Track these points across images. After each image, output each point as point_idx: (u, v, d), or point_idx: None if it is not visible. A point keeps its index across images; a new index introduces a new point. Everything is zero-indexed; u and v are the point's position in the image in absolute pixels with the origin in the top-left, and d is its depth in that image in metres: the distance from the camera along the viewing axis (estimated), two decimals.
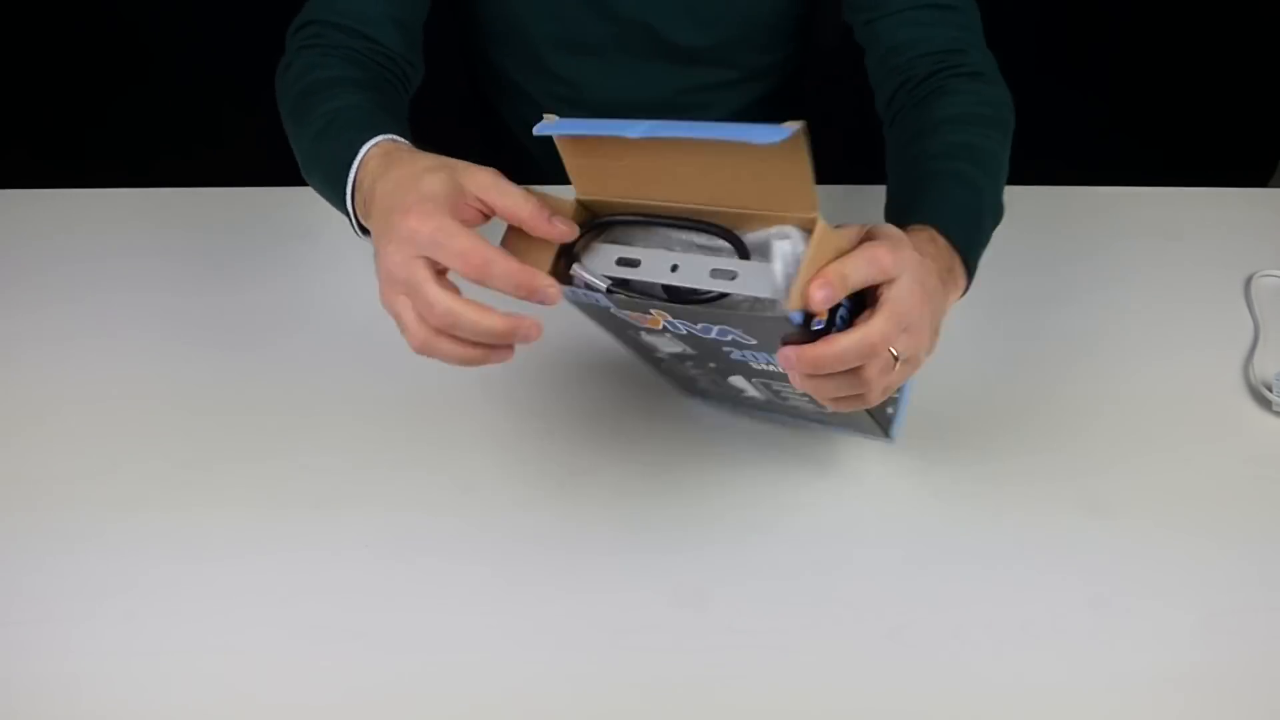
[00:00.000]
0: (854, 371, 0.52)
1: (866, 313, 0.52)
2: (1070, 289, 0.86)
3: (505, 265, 0.52)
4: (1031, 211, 0.93)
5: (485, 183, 0.55)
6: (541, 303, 0.53)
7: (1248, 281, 0.87)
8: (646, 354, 0.65)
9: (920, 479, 0.71)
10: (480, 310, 0.52)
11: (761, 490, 0.70)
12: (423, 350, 0.55)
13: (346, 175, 0.62)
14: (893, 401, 0.66)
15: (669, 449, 0.72)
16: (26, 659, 0.61)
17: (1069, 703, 0.60)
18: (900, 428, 0.68)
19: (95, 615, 0.63)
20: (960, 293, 0.64)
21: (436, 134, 0.96)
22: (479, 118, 1.07)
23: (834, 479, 0.71)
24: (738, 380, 0.64)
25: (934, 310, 0.56)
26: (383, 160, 0.60)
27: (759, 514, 0.69)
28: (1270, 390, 0.76)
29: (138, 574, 0.66)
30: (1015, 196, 0.94)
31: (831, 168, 1.12)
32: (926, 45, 0.77)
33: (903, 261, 0.52)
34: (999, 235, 0.91)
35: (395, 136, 0.62)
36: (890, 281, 0.52)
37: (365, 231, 0.62)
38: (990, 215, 0.69)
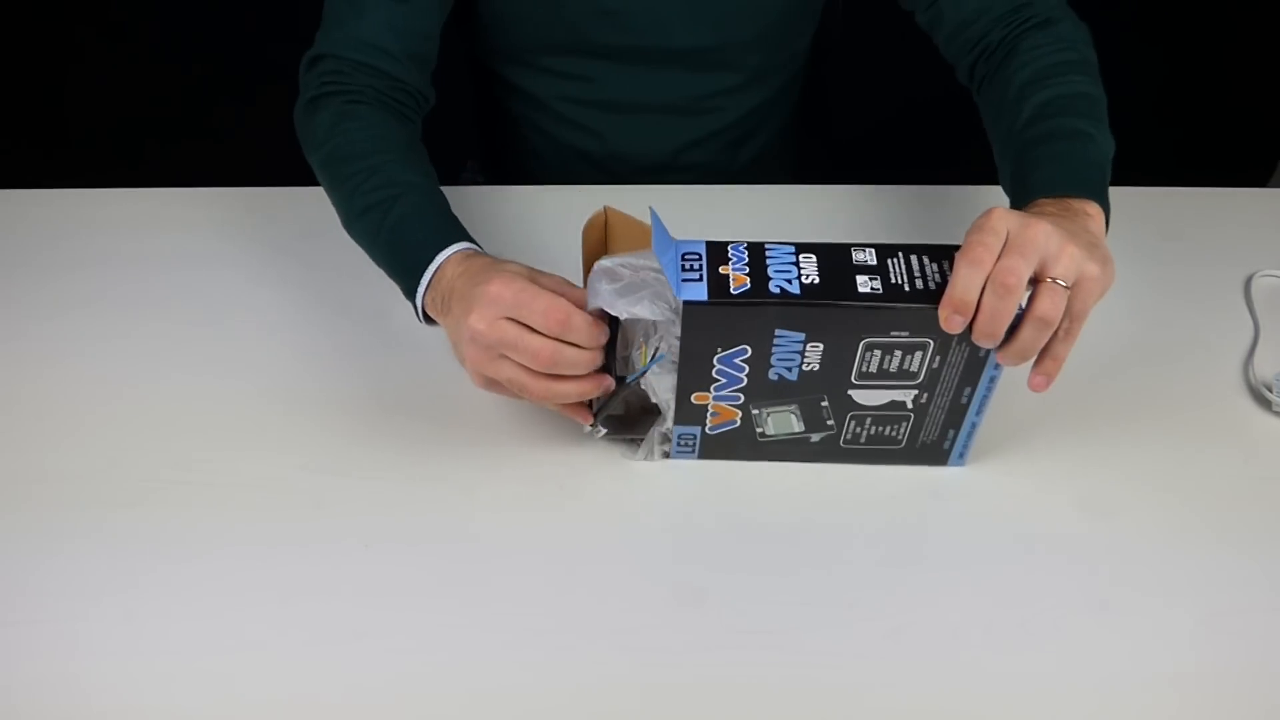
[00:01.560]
0: (1035, 317, 0.57)
1: None
2: None
3: (583, 318, 0.60)
4: None
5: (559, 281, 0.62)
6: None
7: (1248, 281, 0.87)
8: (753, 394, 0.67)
9: (920, 479, 0.71)
10: (574, 348, 0.60)
11: (761, 489, 0.70)
12: (545, 397, 0.63)
13: (420, 274, 0.68)
14: (954, 428, 0.68)
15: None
16: (26, 659, 0.61)
17: (1069, 703, 0.60)
18: (965, 454, 0.70)
19: (95, 615, 0.63)
20: (1102, 219, 0.66)
21: (437, 131, 0.96)
22: (482, 112, 1.07)
23: (833, 479, 0.71)
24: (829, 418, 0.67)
25: (1061, 229, 0.57)
26: (462, 262, 0.66)
27: (758, 513, 0.69)
28: (1270, 390, 0.76)
29: (137, 574, 0.65)
30: None
31: (834, 167, 1.12)
32: (993, 11, 0.78)
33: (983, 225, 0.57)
34: None
35: (469, 245, 0.69)
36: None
37: (428, 320, 0.70)
38: (1105, 152, 0.70)
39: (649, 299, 0.60)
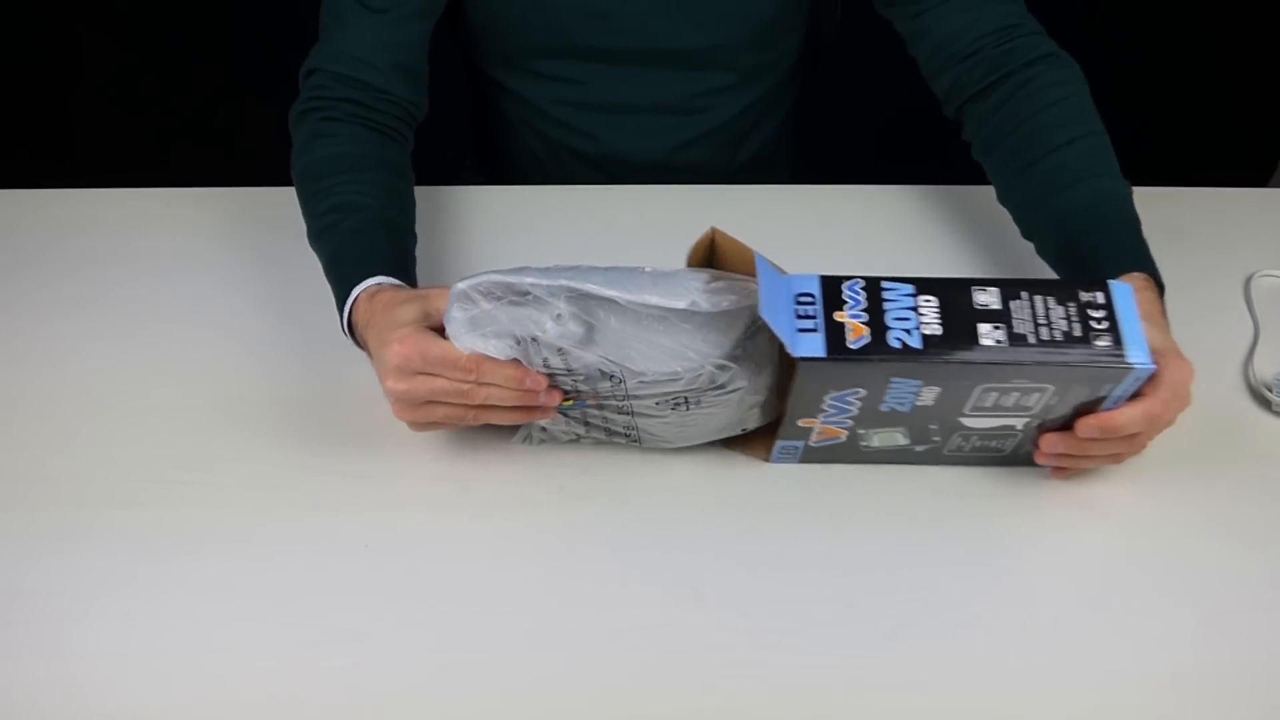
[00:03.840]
0: (1128, 438, 0.63)
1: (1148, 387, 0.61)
2: None
3: (492, 364, 0.61)
4: None
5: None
6: (542, 405, 0.64)
7: (1248, 281, 0.87)
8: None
9: (920, 478, 0.71)
10: (494, 361, 0.61)
11: (760, 489, 0.70)
12: (480, 420, 0.65)
13: (342, 308, 0.71)
14: None
15: (666, 449, 0.72)
16: (26, 659, 0.61)
17: (1069, 702, 0.60)
18: None
19: (94, 615, 0.63)
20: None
21: (435, 131, 0.96)
22: (478, 113, 1.07)
23: (832, 479, 0.71)
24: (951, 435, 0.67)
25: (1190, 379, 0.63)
26: (367, 301, 0.68)
27: (758, 513, 0.69)
28: (1270, 390, 0.76)
29: (136, 574, 0.66)
30: None
31: (828, 166, 1.12)
32: (978, 29, 0.79)
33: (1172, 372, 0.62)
34: (999, 235, 0.91)
35: (375, 280, 0.70)
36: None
37: (353, 337, 0.72)
38: (1137, 216, 0.74)
39: (498, 336, 0.60)
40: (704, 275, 0.61)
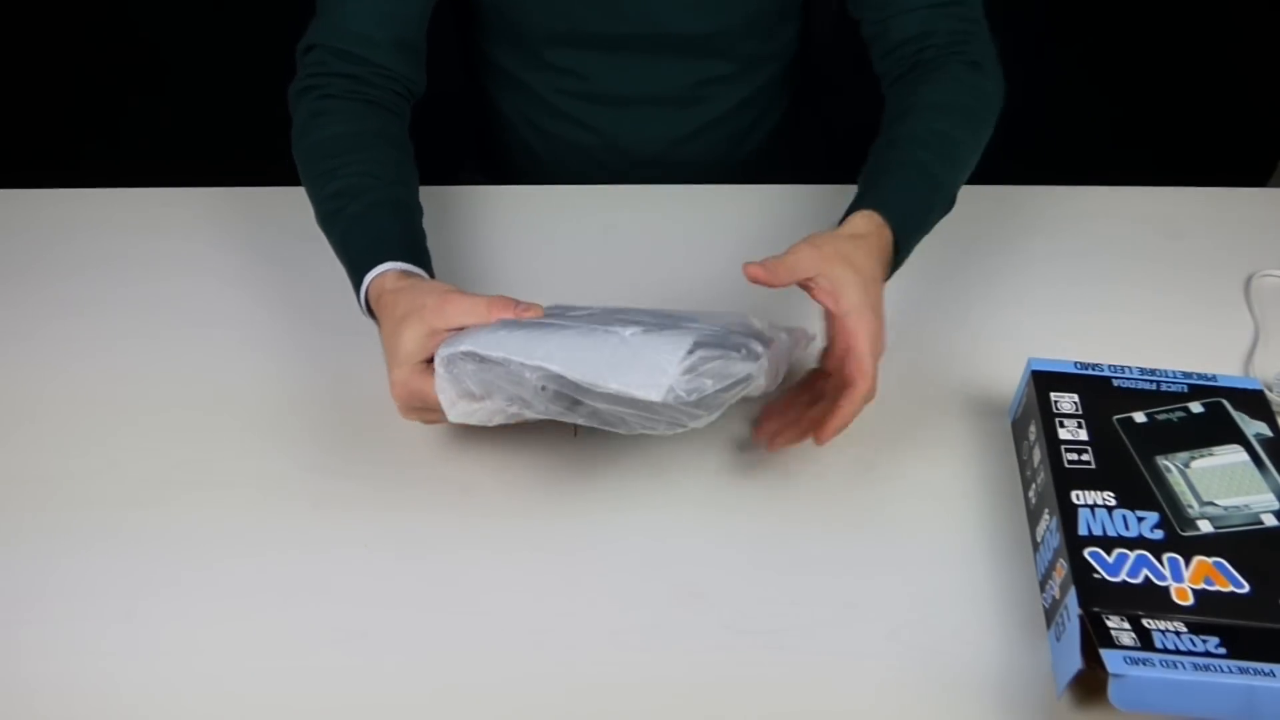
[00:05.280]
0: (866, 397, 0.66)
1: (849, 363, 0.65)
2: (1071, 289, 0.86)
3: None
4: (1032, 211, 0.93)
5: (450, 316, 0.64)
6: None
7: (1248, 281, 0.87)
8: None
9: (921, 478, 0.71)
10: None
11: (760, 489, 0.70)
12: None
13: (358, 291, 0.72)
14: None
15: (666, 449, 0.72)
16: (25, 659, 0.61)
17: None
18: None
19: (94, 615, 0.63)
20: (888, 277, 0.71)
21: (435, 131, 0.96)
22: (478, 111, 1.07)
23: (832, 479, 0.71)
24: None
25: (881, 316, 0.67)
26: (378, 303, 0.69)
27: (758, 513, 0.69)
28: (1270, 390, 0.76)
29: (137, 574, 0.65)
30: (1016, 196, 0.95)
31: (825, 159, 1.12)
32: (934, 36, 0.81)
33: (847, 291, 0.65)
34: (999, 235, 0.91)
35: (390, 265, 0.70)
36: (845, 315, 0.65)
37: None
38: (940, 208, 0.76)
39: (489, 396, 0.61)
40: (686, 343, 0.59)
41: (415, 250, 0.74)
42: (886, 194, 0.72)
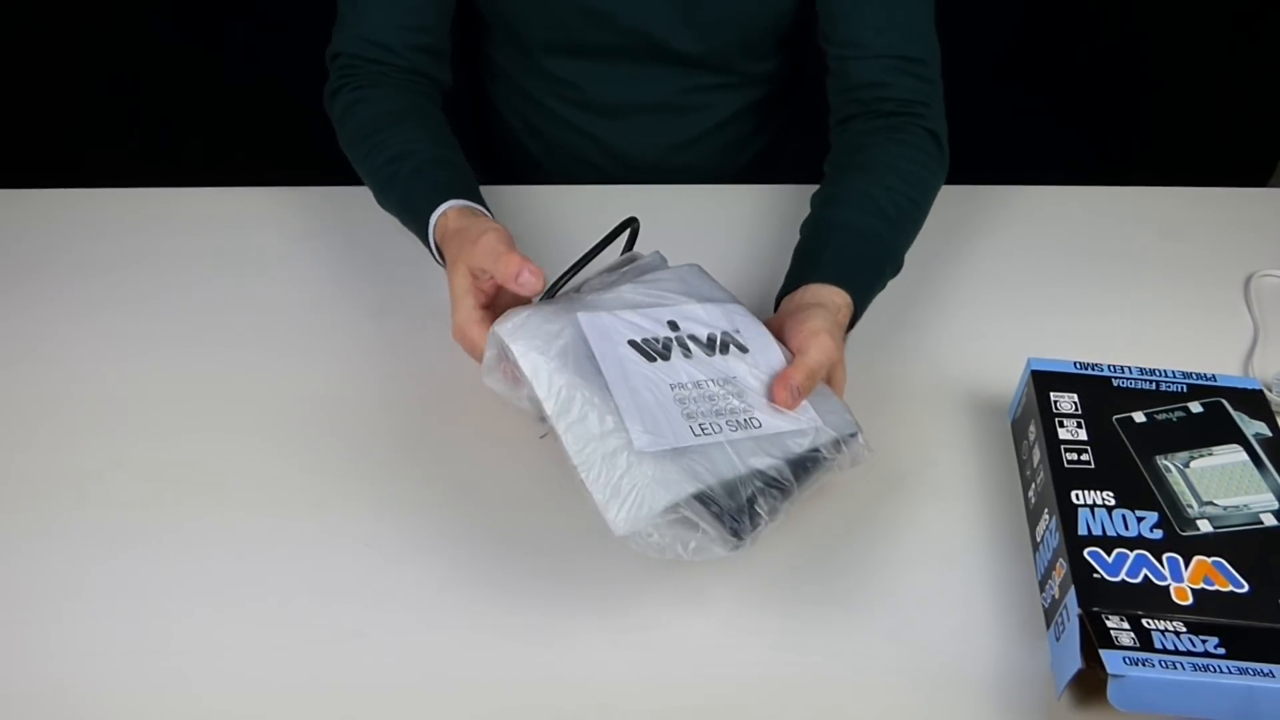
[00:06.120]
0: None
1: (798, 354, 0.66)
2: (1070, 289, 0.86)
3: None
4: (1031, 212, 0.93)
5: (477, 257, 0.66)
6: None
7: (1248, 281, 0.87)
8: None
9: (921, 478, 0.71)
10: None
11: None
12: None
13: (428, 243, 0.76)
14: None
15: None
16: (25, 659, 0.61)
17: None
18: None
19: (94, 615, 0.63)
20: (847, 330, 0.73)
21: None
22: (478, 110, 1.07)
23: (832, 478, 0.71)
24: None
25: (838, 339, 0.68)
26: (445, 248, 0.72)
27: None
28: (1270, 390, 0.76)
29: (137, 573, 0.65)
30: (1016, 196, 0.95)
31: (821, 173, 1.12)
32: (893, 91, 0.83)
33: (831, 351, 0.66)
34: (999, 235, 0.91)
35: (453, 203, 0.74)
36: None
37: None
38: (890, 270, 0.78)
39: (540, 351, 0.61)
40: (685, 490, 0.58)
41: (471, 191, 0.77)
42: (840, 265, 0.74)
